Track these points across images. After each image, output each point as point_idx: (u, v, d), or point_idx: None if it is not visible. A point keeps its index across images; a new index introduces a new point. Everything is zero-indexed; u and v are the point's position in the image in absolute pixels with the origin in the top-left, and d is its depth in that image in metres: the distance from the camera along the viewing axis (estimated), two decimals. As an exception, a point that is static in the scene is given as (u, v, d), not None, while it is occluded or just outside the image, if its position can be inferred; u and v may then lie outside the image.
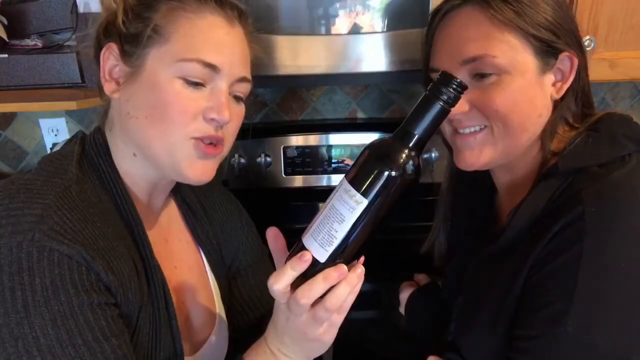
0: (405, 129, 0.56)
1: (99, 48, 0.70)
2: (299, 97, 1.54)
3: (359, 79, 1.43)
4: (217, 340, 0.82)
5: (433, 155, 1.38)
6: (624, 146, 0.68)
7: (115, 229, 0.66)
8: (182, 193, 0.85)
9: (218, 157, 0.72)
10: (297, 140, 1.40)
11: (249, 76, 0.73)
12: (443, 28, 0.74)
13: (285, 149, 1.40)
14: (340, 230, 0.55)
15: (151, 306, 0.69)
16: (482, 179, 0.85)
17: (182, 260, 0.81)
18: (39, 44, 1.29)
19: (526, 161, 0.75)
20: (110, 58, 0.69)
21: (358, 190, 0.54)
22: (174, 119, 0.66)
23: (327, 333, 0.62)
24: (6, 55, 1.20)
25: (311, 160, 1.41)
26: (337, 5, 0.99)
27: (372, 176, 0.54)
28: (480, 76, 0.69)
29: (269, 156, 1.40)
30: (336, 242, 0.56)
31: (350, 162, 1.42)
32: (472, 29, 0.70)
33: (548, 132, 0.72)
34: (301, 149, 1.40)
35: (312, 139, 1.40)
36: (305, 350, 0.65)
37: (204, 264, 0.85)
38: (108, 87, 0.69)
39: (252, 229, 0.96)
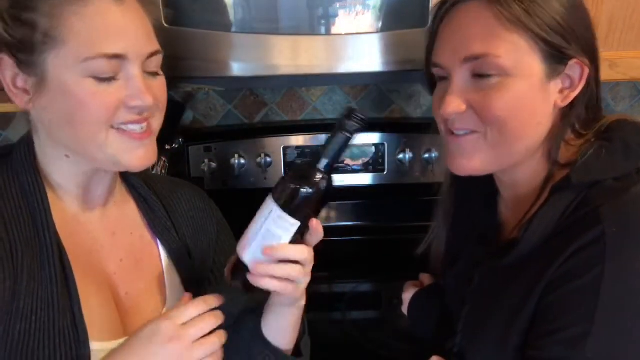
0: (318, 157, 0.68)
1: None
2: (299, 97, 1.54)
3: (359, 79, 1.43)
4: None
5: (433, 155, 1.38)
6: (639, 157, 0.65)
7: (9, 212, 0.69)
8: (136, 187, 0.85)
9: (151, 138, 0.72)
10: (297, 140, 1.40)
11: (157, 47, 0.70)
12: (447, 22, 0.70)
13: (285, 149, 1.39)
14: None
15: (40, 290, 0.67)
16: (484, 181, 0.82)
17: (131, 252, 0.81)
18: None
19: (529, 169, 0.72)
20: (7, 69, 0.66)
21: (291, 214, 0.66)
22: (96, 117, 0.65)
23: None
24: (6, 55, 1.20)
25: (311, 160, 1.41)
26: (337, 5, 0.98)
27: (298, 199, 0.66)
28: (481, 76, 0.66)
29: (269, 156, 1.40)
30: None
31: (350, 162, 1.41)
32: (477, 25, 0.66)
33: (554, 140, 0.69)
34: (301, 149, 1.40)
35: (312, 139, 1.40)
36: None
37: (159, 256, 0.85)
38: (20, 100, 0.68)
39: (225, 230, 0.96)
